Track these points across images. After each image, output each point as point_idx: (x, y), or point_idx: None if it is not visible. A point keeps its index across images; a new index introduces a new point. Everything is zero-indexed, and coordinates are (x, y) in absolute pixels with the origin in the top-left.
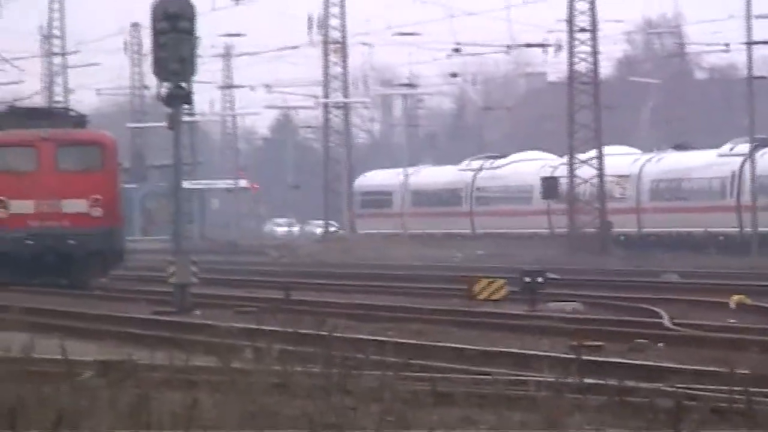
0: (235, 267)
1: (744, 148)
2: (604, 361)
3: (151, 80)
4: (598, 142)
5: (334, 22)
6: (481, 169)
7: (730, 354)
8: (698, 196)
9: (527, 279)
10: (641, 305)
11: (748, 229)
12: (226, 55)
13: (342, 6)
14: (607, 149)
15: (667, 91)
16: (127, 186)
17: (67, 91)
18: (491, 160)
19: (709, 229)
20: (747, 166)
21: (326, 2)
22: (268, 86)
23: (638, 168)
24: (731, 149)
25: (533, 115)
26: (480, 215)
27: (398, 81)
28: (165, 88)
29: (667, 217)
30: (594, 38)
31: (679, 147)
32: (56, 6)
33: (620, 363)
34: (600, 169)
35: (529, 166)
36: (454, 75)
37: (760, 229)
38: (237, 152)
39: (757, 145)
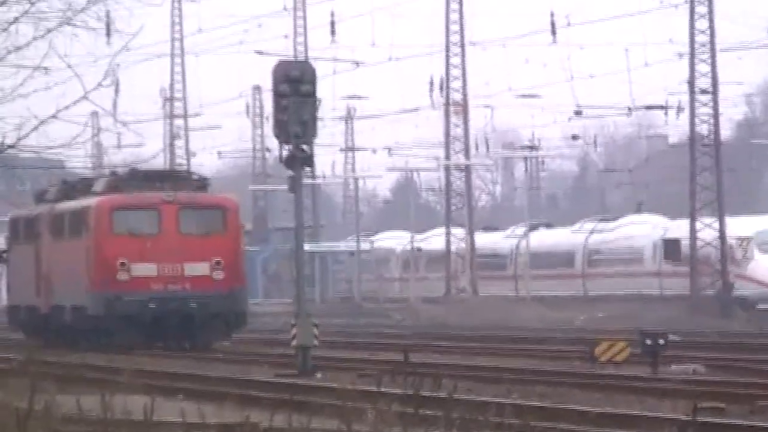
0: (357, 330)
1: None
2: (723, 422)
3: (273, 143)
4: (719, 203)
5: (455, 83)
6: (593, 231)
7: None
8: None
9: (648, 341)
10: (764, 367)
11: None
12: (348, 117)
13: (463, 67)
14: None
15: None
16: (249, 248)
17: (188, 153)
18: (604, 222)
19: None
20: None
21: (447, 64)
22: (389, 148)
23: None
24: None
25: (654, 177)
26: (592, 277)
27: (520, 143)
28: (286, 151)
29: None
30: (715, 100)
31: None
32: (177, 68)
33: (740, 425)
34: (722, 230)
35: (641, 229)
36: (575, 137)
37: None
38: (359, 214)
39: None
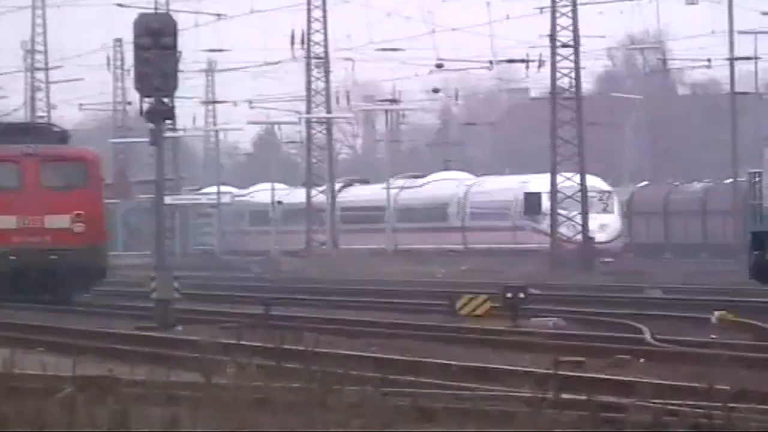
0: (218, 282)
1: None
2: (584, 376)
3: (134, 96)
4: (580, 158)
5: (316, 37)
6: (402, 188)
7: (711, 370)
8: None
9: (509, 294)
10: (622, 321)
11: None
12: (209, 70)
13: (324, 21)
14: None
15: (650, 107)
16: (110, 202)
17: (50, 107)
18: (413, 179)
19: None
20: None
21: (309, 18)
22: (251, 102)
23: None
24: None
25: (516, 131)
26: (401, 231)
27: (381, 96)
28: (147, 104)
29: None
30: (576, 53)
31: None
32: (39, 21)
33: (599, 378)
34: (583, 184)
35: (447, 185)
36: (436, 90)
37: None
38: (220, 167)
39: None
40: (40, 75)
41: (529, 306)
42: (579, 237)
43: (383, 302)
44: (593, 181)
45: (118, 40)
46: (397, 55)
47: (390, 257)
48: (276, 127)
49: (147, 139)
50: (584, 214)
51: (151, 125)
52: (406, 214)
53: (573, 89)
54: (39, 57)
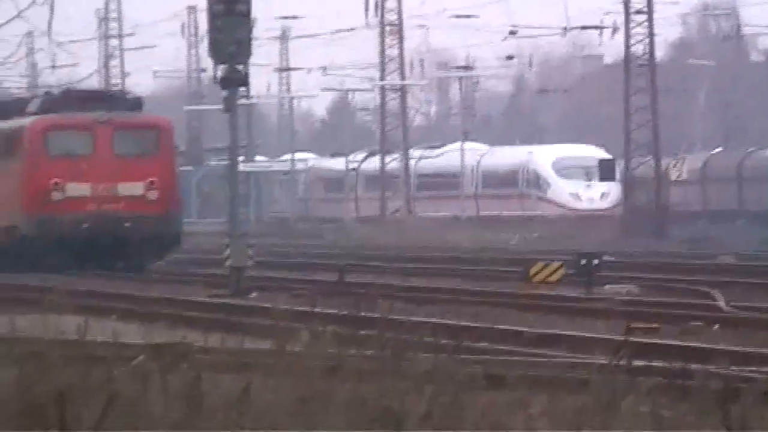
0: (292, 250)
1: None
2: (657, 343)
3: (208, 63)
4: (654, 125)
5: (390, 4)
6: (420, 158)
7: None
8: None
9: (583, 261)
10: (696, 287)
11: None
12: (283, 37)
13: None
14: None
15: (722, 74)
16: (183, 169)
17: (123, 74)
18: (431, 149)
19: None
20: None
21: None
22: (324, 69)
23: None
24: None
25: (589, 99)
26: (419, 200)
27: (455, 64)
28: (221, 71)
29: None
30: (650, 20)
31: None
32: None
33: (672, 344)
34: (657, 152)
35: (461, 156)
36: (510, 57)
37: None
38: (294, 135)
39: None
40: (113, 42)
41: (603, 273)
42: (587, 206)
43: (457, 269)
44: (594, 152)
45: (192, 8)
46: (471, 22)
47: (463, 224)
48: (350, 94)
49: (221, 107)
50: (658, 182)
51: (224, 92)
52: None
53: (647, 56)
54: (113, 25)
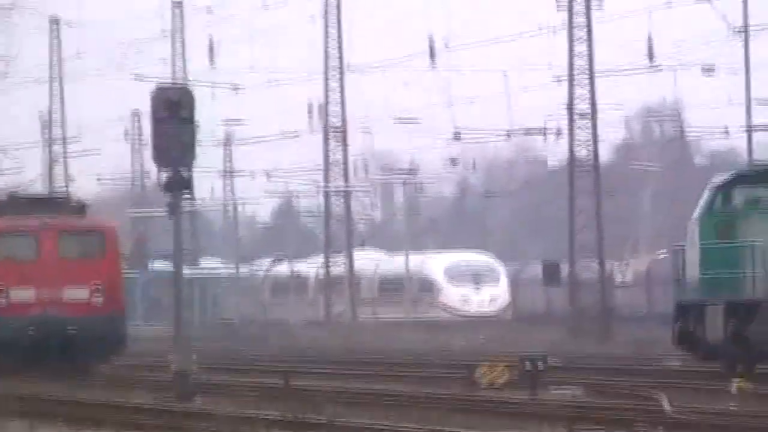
0: (237, 353)
1: None
2: None
3: (152, 167)
4: (598, 228)
5: (333, 108)
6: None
7: None
8: None
9: (528, 364)
10: (642, 391)
11: None
12: (227, 142)
13: (341, 92)
14: None
15: (667, 176)
16: (129, 273)
17: (67, 178)
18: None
19: None
20: None
21: (326, 89)
22: (268, 173)
23: None
24: None
25: (534, 201)
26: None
27: (399, 167)
28: (165, 176)
29: None
30: (593, 124)
31: None
32: (56, 92)
33: None
34: (600, 253)
35: (362, 263)
36: (454, 162)
37: None
38: (238, 239)
39: None
40: (57, 147)
41: (549, 377)
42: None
43: (401, 372)
44: (483, 258)
45: (136, 112)
46: (416, 126)
47: (406, 326)
48: (294, 198)
49: (165, 211)
50: (602, 283)
51: (168, 197)
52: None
53: (591, 159)
54: (56, 129)
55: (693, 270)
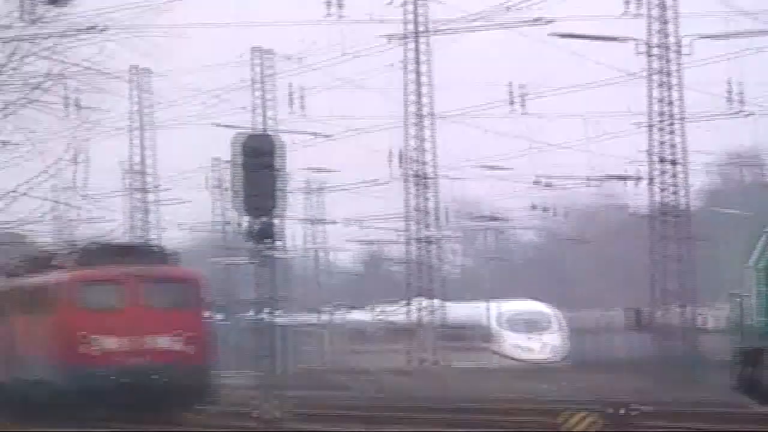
0: (322, 401)
1: None
2: None
3: (237, 215)
4: (683, 273)
5: (417, 155)
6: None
7: None
8: None
9: (612, 410)
10: None
11: None
12: (312, 189)
13: (426, 140)
14: None
15: (752, 222)
16: (213, 320)
17: (152, 227)
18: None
19: None
20: None
21: (411, 137)
22: (352, 220)
23: None
24: None
25: (616, 247)
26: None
27: (482, 214)
28: (250, 224)
29: None
30: (680, 170)
31: None
32: (139, 142)
33: None
34: (687, 298)
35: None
36: (535, 207)
37: None
38: (322, 286)
39: None
40: (142, 195)
41: (638, 423)
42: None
43: (490, 420)
44: (539, 306)
45: (218, 159)
46: (498, 172)
47: (489, 373)
48: (378, 245)
49: (251, 259)
50: (691, 328)
51: (254, 245)
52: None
53: (677, 205)
54: (142, 178)
55: (751, 316)
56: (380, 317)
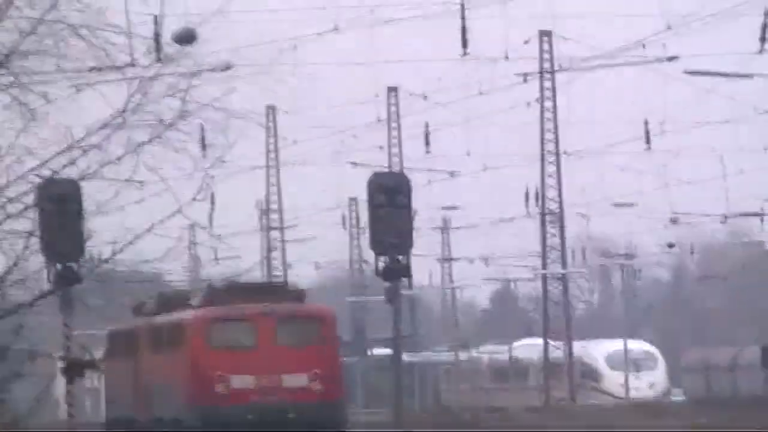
0: None
1: None
2: None
3: (369, 254)
4: None
5: (550, 193)
6: (493, 352)
7: None
8: None
9: None
10: None
11: None
12: (444, 227)
13: (558, 177)
14: None
15: None
16: (347, 359)
17: (285, 265)
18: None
19: None
20: None
21: (542, 174)
22: (485, 258)
23: None
24: None
25: (751, 284)
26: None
27: (616, 251)
28: (383, 262)
29: None
30: None
31: None
32: (273, 180)
33: None
34: None
35: (526, 350)
36: (671, 245)
37: None
38: (457, 324)
39: None
40: (275, 234)
41: None
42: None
43: None
44: (642, 345)
45: (353, 199)
46: (632, 209)
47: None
48: (512, 283)
49: (383, 297)
50: None
51: (386, 283)
52: None
53: None
54: (273, 216)
55: None
56: (515, 354)
